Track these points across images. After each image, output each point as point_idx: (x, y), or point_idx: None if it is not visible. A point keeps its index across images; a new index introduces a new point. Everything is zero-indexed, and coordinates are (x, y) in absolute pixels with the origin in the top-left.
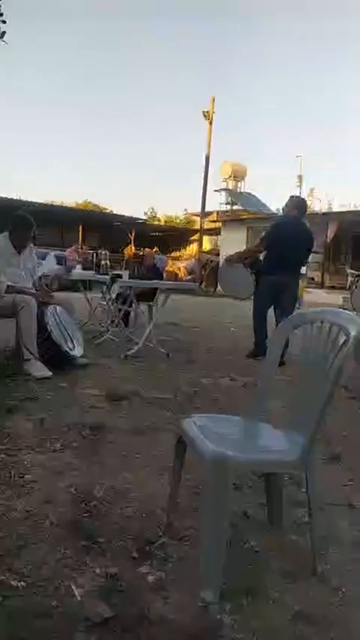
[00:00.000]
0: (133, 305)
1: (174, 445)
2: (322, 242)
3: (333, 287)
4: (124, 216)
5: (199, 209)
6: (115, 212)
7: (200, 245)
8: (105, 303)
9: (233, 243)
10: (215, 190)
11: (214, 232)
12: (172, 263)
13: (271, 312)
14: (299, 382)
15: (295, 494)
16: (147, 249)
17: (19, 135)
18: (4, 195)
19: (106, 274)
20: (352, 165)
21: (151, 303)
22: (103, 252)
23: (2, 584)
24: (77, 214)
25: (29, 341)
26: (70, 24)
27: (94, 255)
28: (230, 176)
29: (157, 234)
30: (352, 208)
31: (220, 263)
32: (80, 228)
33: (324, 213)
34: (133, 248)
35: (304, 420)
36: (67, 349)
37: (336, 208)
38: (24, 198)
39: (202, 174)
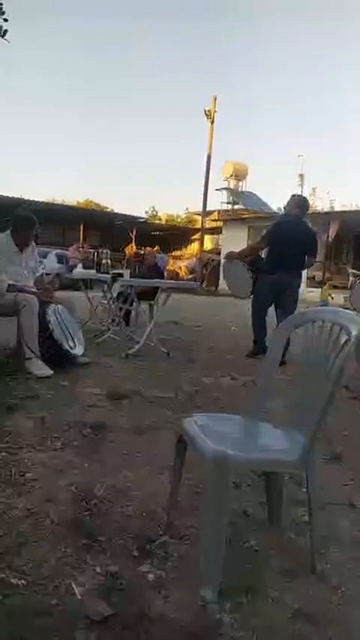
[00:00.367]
0: (134, 304)
1: (174, 444)
2: (323, 241)
3: (335, 287)
4: (125, 215)
5: (200, 208)
6: (116, 211)
7: (201, 244)
8: (106, 302)
9: (234, 242)
10: (216, 189)
11: (216, 231)
12: (173, 262)
13: (272, 311)
14: (300, 382)
15: (295, 494)
16: (148, 248)
17: (20, 135)
18: (4, 194)
19: (107, 273)
20: (354, 165)
21: (152, 302)
22: (104, 251)
23: (3, 582)
24: (78, 213)
25: (30, 340)
26: (72, 24)
27: (95, 254)
28: (232, 175)
29: (158, 233)
30: (353, 208)
31: (222, 262)
32: (81, 226)
33: (325, 213)
34: (134, 247)
35: (305, 420)
36: (68, 348)
37: (338, 208)
38: (25, 196)
39: (204, 174)
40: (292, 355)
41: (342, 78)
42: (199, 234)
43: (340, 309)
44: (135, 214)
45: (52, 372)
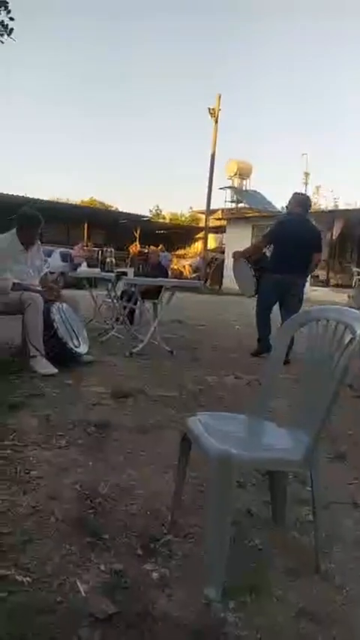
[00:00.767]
0: (138, 302)
1: (179, 443)
2: (327, 240)
3: (339, 285)
4: (129, 213)
5: (204, 207)
6: (120, 210)
7: (205, 243)
8: (110, 300)
9: (238, 241)
10: (220, 188)
11: (220, 230)
12: (177, 261)
13: (276, 310)
14: (305, 381)
15: (299, 493)
16: (152, 247)
17: (23, 135)
18: (9, 193)
19: (112, 272)
20: (359, 163)
21: (155, 300)
22: (109, 250)
23: (7, 580)
24: (83, 212)
25: (35, 338)
26: (73, 23)
27: (100, 252)
28: (236, 174)
29: (162, 231)
30: (358, 206)
31: (226, 262)
32: (86, 225)
33: (330, 211)
34: (139, 246)
35: (309, 419)
36: (73, 346)
37: (342, 206)
38: (30, 195)
39: (208, 172)
40: (295, 354)
41: (347, 76)
42: (203, 232)
43: (346, 307)
44: (139, 213)
45: (56, 370)
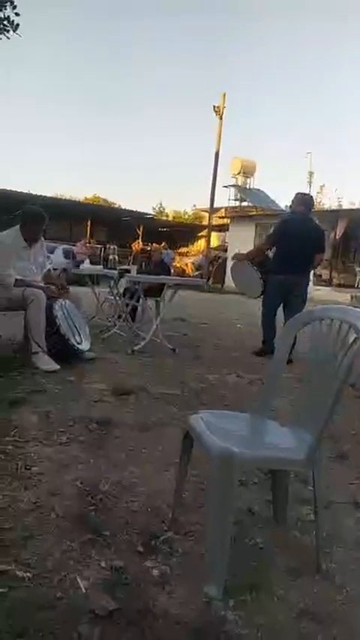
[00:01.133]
0: (141, 300)
1: (180, 440)
2: (331, 240)
3: (342, 285)
4: (132, 211)
5: (207, 205)
6: (123, 207)
7: (208, 241)
8: (112, 297)
9: (241, 239)
10: (224, 186)
11: (223, 228)
12: (180, 259)
13: (280, 310)
14: (307, 380)
15: (300, 492)
16: (155, 245)
17: (24, 135)
18: (12, 189)
19: (114, 269)
20: None
21: (158, 298)
22: (112, 247)
23: (8, 575)
24: (86, 208)
25: (38, 334)
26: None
27: (102, 249)
28: (240, 172)
29: (165, 229)
30: None
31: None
32: (89, 222)
33: (333, 211)
34: (141, 243)
35: (312, 418)
36: (75, 343)
37: (346, 206)
38: (33, 192)
39: (212, 170)
40: (298, 353)
41: (353, 74)
42: (206, 231)
43: (349, 307)
44: (142, 210)
45: (58, 366)
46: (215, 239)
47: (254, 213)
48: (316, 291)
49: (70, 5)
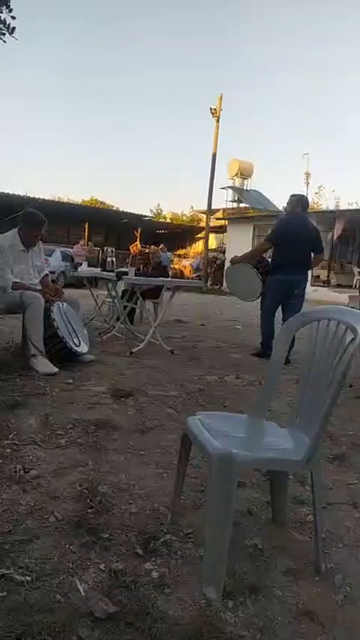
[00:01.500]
0: (139, 302)
1: (179, 442)
2: (328, 240)
3: (339, 285)
4: (130, 213)
5: (205, 206)
6: (121, 209)
7: (206, 243)
8: (111, 300)
9: (239, 240)
10: (222, 188)
11: (221, 230)
12: (178, 260)
13: (279, 312)
14: (305, 381)
15: (299, 493)
16: (153, 247)
17: (24, 135)
18: (10, 192)
19: (112, 271)
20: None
21: (156, 300)
22: (109, 249)
23: (7, 578)
24: (84, 211)
25: (36, 337)
26: (75, 22)
27: (100, 252)
28: (237, 173)
29: (163, 231)
30: (359, 207)
31: (226, 262)
32: (86, 224)
33: (331, 211)
34: (139, 245)
35: (310, 419)
36: (73, 346)
37: (343, 207)
38: (31, 194)
39: (209, 172)
40: (296, 354)
41: (350, 76)
42: (204, 232)
43: (347, 307)
44: (140, 212)
45: (56, 369)
46: (213, 240)
47: (252, 214)
48: (313, 292)
49: (69, 5)
